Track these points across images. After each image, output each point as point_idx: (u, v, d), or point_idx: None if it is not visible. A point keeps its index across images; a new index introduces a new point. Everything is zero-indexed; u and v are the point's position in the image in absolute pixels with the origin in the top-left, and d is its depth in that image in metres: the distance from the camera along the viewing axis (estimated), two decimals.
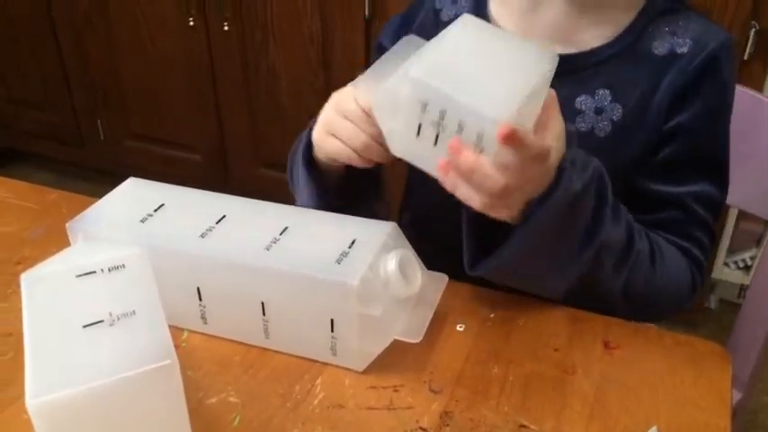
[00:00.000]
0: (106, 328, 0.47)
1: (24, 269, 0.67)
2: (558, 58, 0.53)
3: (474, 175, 0.50)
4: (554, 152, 0.53)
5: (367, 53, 1.58)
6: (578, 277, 0.60)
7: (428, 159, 0.52)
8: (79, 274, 0.51)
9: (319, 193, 0.67)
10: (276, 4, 1.61)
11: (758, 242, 1.53)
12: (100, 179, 2.11)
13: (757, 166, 0.85)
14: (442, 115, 0.50)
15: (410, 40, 0.59)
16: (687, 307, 0.69)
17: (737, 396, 0.88)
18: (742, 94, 0.84)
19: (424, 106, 0.50)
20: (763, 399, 1.45)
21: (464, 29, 0.53)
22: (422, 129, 0.51)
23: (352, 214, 0.60)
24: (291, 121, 1.74)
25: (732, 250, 1.55)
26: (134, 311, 0.48)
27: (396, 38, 0.75)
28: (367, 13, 1.53)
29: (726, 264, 1.56)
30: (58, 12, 1.89)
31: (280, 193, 1.93)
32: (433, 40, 0.54)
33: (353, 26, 1.56)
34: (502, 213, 0.54)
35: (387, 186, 0.72)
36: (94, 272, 0.51)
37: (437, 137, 0.51)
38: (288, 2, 1.59)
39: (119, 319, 0.48)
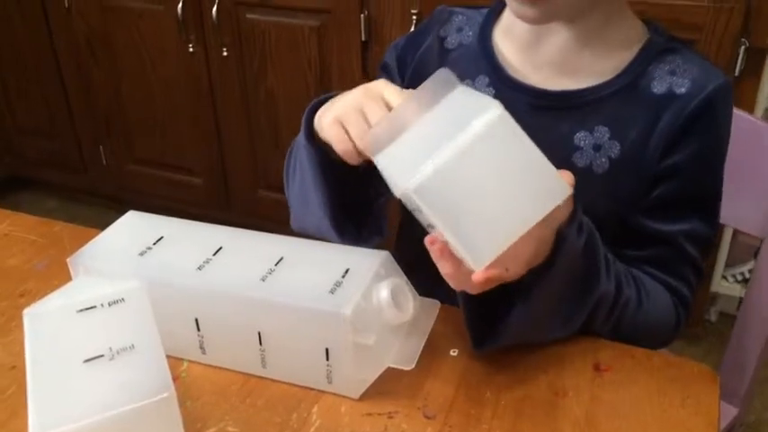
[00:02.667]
0: (106, 362, 0.49)
1: (28, 302, 0.69)
2: (571, 193, 0.50)
3: (454, 277, 0.52)
4: (547, 235, 0.54)
5: (364, 76, 1.60)
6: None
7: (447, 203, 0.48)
8: (80, 308, 0.52)
9: (322, 166, 0.64)
10: (274, 29, 1.64)
11: (756, 255, 1.54)
12: (103, 203, 2.14)
13: (750, 186, 0.86)
14: (431, 226, 0.49)
15: (444, 75, 0.52)
16: (674, 340, 0.70)
17: (734, 412, 0.89)
18: (736, 117, 0.86)
19: (420, 210, 0.48)
20: (765, 414, 1.46)
21: (490, 133, 0.47)
22: (414, 212, 0.50)
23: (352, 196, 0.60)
24: (290, 143, 1.76)
25: (730, 264, 1.56)
26: (133, 345, 0.50)
27: (400, 61, 0.77)
28: (363, 37, 1.56)
29: (724, 277, 1.57)
30: (61, 41, 1.92)
31: (279, 214, 1.96)
32: (457, 117, 0.48)
33: (350, 51, 1.58)
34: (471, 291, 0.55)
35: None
36: (95, 306, 0.52)
37: (428, 225, 0.50)
38: (285, 27, 1.62)
39: (118, 353, 0.49)
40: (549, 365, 0.60)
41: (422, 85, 0.51)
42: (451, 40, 0.75)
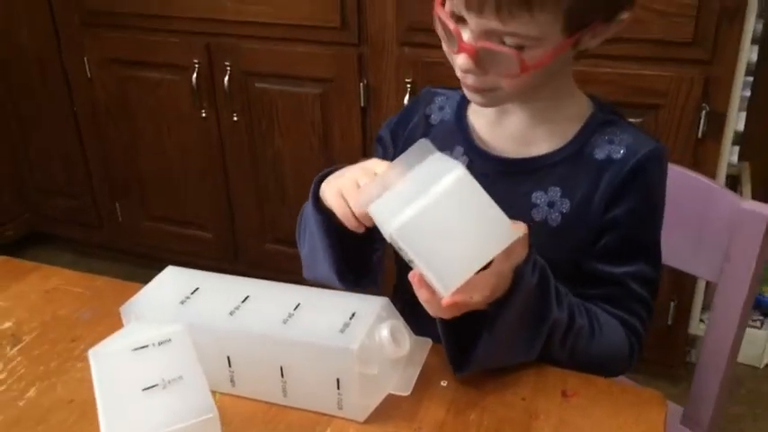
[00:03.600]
0: (160, 390, 0.60)
1: (78, 346, 0.82)
2: (521, 235, 0.64)
3: (429, 304, 0.65)
4: (506, 271, 0.66)
5: (363, 138, 1.74)
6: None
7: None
8: (135, 348, 0.64)
9: (327, 230, 0.76)
10: (280, 97, 1.78)
11: None
12: (117, 257, 2.26)
13: (705, 238, 0.98)
14: (410, 261, 0.63)
15: (423, 145, 0.65)
16: (629, 369, 0.81)
17: None
18: (692, 178, 0.99)
19: (400, 248, 0.62)
20: None
21: (456, 188, 0.60)
22: (400, 250, 0.63)
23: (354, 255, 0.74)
24: (295, 200, 1.89)
25: (706, 308, 1.67)
26: (181, 376, 0.61)
27: (393, 134, 0.91)
28: (362, 104, 1.70)
29: (701, 320, 1.68)
30: (82, 107, 2.07)
31: (285, 266, 2.10)
32: (431, 176, 0.62)
33: (351, 115, 1.73)
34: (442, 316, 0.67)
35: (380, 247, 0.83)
36: (147, 346, 0.64)
37: (410, 260, 0.63)
38: (291, 95, 1.77)
39: (170, 382, 0.61)
40: (524, 392, 0.72)
41: (405, 151, 0.66)
42: (434, 117, 0.89)
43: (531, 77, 0.71)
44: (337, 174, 0.76)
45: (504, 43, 0.70)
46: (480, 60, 0.71)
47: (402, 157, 0.66)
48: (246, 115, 1.84)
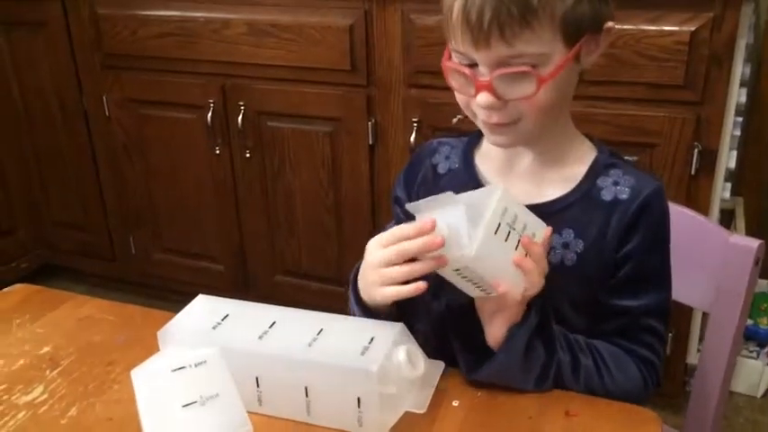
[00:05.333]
0: (199, 407, 0.66)
1: (115, 369, 0.88)
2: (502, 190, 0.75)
3: (541, 260, 0.75)
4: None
5: (371, 174, 1.81)
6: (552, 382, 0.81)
7: (497, 256, 0.73)
8: (174, 368, 0.70)
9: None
10: (292, 134, 1.86)
11: None
12: (130, 290, 2.31)
13: (698, 271, 1.04)
14: (515, 218, 0.73)
15: (448, 195, 0.74)
16: (647, 397, 0.86)
17: None
18: (686, 215, 1.06)
19: (506, 210, 0.72)
20: None
21: (503, 200, 0.74)
22: (499, 229, 0.72)
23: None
24: (305, 234, 1.96)
25: (704, 337, 1.72)
26: (217, 394, 0.67)
27: (406, 191, 0.97)
28: (371, 141, 1.78)
29: (699, 350, 1.73)
30: (99, 144, 2.15)
31: (294, 297, 2.16)
32: (473, 207, 0.73)
33: (359, 153, 1.80)
34: (506, 319, 0.77)
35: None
36: (184, 367, 0.70)
37: (508, 234, 0.73)
38: (302, 133, 1.85)
39: (207, 400, 0.67)
40: (531, 411, 0.77)
41: (427, 204, 0.74)
42: (442, 167, 0.94)
43: (547, 99, 0.77)
44: (363, 270, 0.82)
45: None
46: (498, 91, 0.77)
47: (427, 201, 0.74)
48: (259, 152, 1.91)
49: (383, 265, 0.77)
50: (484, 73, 0.77)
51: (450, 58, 0.81)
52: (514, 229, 0.74)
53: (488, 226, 0.71)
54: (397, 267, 0.76)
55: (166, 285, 2.18)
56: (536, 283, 0.76)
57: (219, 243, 2.10)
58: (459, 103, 0.83)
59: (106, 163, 2.16)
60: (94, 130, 2.13)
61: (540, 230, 0.77)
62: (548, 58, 0.76)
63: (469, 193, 0.77)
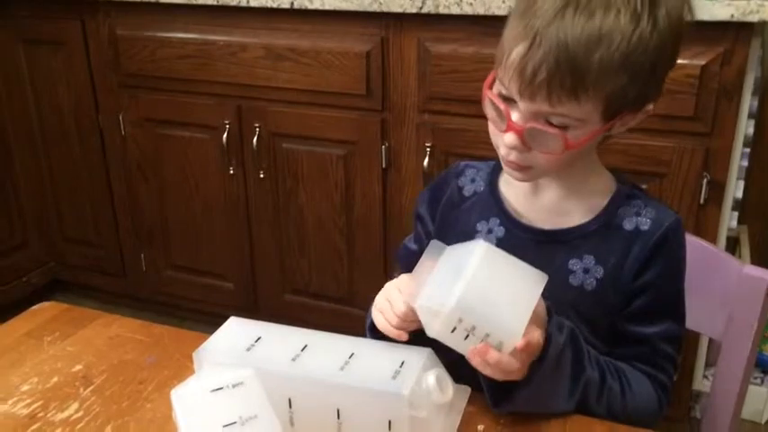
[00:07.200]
0: (239, 427, 0.68)
1: (146, 388, 0.90)
2: (546, 278, 0.75)
3: (500, 365, 0.74)
4: (538, 337, 0.76)
5: (383, 197, 1.85)
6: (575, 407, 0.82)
7: (457, 345, 0.75)
8: (212, 389, 0.72)
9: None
10: (306, 157, 1.90)
11: None
12: (139, 306, 2.33)
13: (709, 300, 1.07)
14: (473, 328, 0.73)
15: (436, 244, 0.79)
16: (659, 419, 0.89)
17: None
18: (698, 245, 1.09)
19: (461, 320, 0.73)
20: None
21: (484, 259, 0.73)
22: (455, 330, 0.73)
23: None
24: (316, 254, 1.99)
25: (710, 364, 1.75)
26: (256, 415, 0.70)
27: (431, 209, 1.00)
28: (384, 165, 1.81)
29: (705, 376, 1.75)
30: (114, 163, 2.18)
31: (303, 317, 2.17)
32: (458, 259, 0.74)
33: (372, 176, 1.84)
34: (514, 377, 0.77)
35: None
36: (222, 388, 0.72)
37: (467, 336, 0.74)
38: (316, 155, 1.88)
39: (247, 420, 0.69)
40: None
41: (421, 258, 0.79)
42: (468, 189, 0.98)
43: (568, 157, 0.81)
44: (377, 300, 0.86)
45: (549, 123, 0.79)
46: (526, 139, 0.80)
47: (421, 259, 0.79)
48: (272, 173, 1.94)
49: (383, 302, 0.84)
50: (518, 118, 0.80)
51: (493, 82, 0.83)
52: (474, 335, 0.74)
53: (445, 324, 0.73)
54: (389, 312, 0.82)
55: (176, 303, 2.20)
56: (494, 376, 0.75)
57: (230, 262, 2.12)
58: (489, 129, 0.86)
59: (120, 180, 2.19)
60: (109, 147, 2.17)
61: (509, 340, 0.73)
62: (582, 123, 0.79)
63: (453, 246, 0.79)
